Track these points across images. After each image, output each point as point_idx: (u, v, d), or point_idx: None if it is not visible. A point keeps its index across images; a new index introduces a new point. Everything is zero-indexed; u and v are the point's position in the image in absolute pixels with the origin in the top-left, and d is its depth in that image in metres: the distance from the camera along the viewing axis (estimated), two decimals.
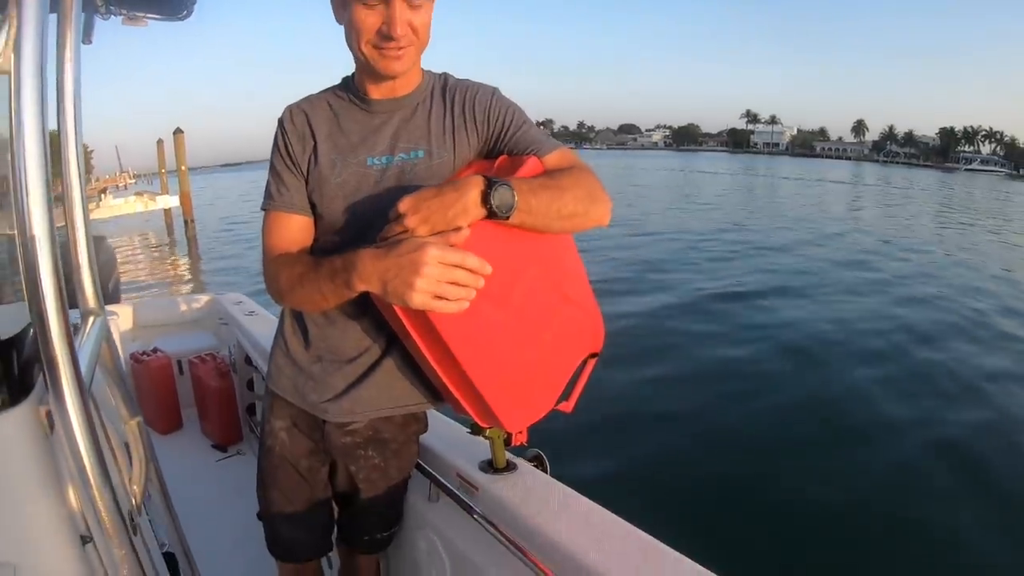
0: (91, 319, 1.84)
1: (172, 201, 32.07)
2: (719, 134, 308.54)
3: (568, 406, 1.91)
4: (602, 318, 1.99)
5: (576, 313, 1.89)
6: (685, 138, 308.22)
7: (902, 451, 6.83)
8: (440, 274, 1.41)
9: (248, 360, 4.27)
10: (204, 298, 5.49)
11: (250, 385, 4.35)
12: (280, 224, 1.80)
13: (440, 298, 1.43)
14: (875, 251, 20.13)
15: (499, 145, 1.84)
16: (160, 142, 37.03)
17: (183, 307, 5.46)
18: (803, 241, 21.28)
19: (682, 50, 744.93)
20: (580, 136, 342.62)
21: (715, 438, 6.99)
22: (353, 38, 1.67)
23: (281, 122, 1.82)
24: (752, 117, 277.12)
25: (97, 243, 3.14)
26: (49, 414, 1.37)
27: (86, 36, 3.00)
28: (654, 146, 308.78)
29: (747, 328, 11.11)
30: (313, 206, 1.80)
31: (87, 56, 2.04)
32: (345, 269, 1.54)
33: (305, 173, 1.79)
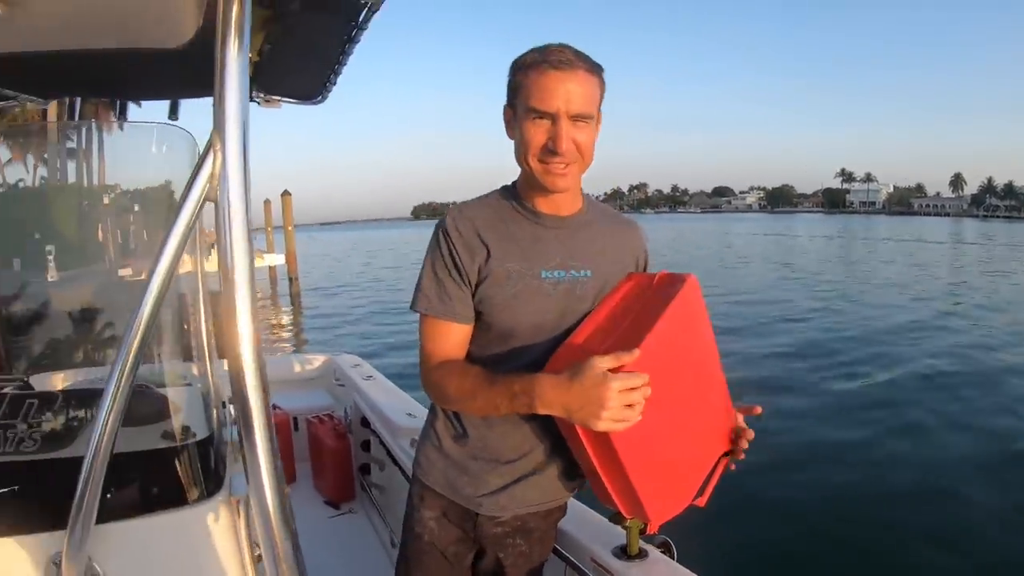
0: None
1: (278, 259, 32.70)
2: (814, 194, 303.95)
3: (702, 501, 1.98)
4: (735, 416, 2.08)
5: (717, 412, 2.00)
6: (780, 199, 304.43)
7: None
8: (622, 401, 1.52)
9: (364, 422, 4.39)
10: (320, 358, 5.66)
11: (365, 446, 4.45)
12: (443, 332, 1.87)
13: (619, 420, 1.54)
14: (997, 330, 17.73)
15: (637, 270, 2.03)
16: (267, 202, 38.18)
17: (298, 366, 5.64)
18: (917, 321, 19.15)
19: (775, 108, 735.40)
20: (674, 199, 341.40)
21: (830, 526, 6.77)
22: (521, 152, 1.80)
23: (445, 230, 1.87)
24: (847, 176, 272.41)
25: (215, 297, 3.32)
26: (238, 502, 1.50)
27: None
28: (748, 208, 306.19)
29: (857, 409, 10.49)
30: (480, 313, 1.87)
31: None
32: (526, 393, 1.65)
33: (473, 282, 1.85)
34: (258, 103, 3.06)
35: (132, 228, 2.75)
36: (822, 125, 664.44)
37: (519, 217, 1.91)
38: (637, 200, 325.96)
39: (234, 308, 1.27)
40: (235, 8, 1.35)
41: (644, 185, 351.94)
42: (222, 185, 1.28)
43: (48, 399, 1.67)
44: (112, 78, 2.81)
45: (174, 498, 1.49)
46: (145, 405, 1.51)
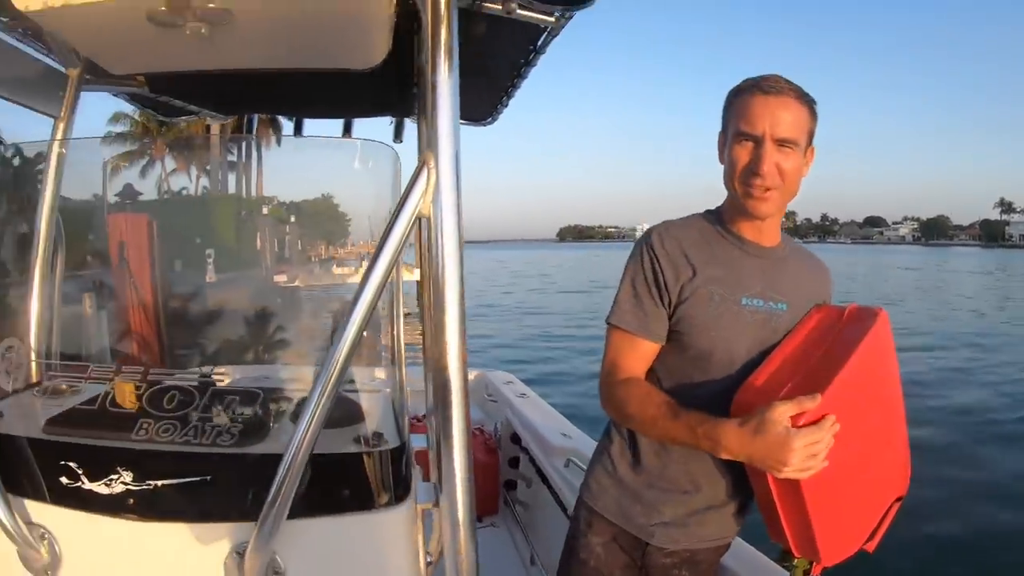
0: None
1: None
2: (970, 226, 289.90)
3: (872, 545, 1.95)
4: (909, 463, 2.05)
5: (897, 454, 1.98)
6: (934, 231, 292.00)
7: None
8: (804, 455, 1.54)
9: (514, 438, 4.45)
10: (472, 372, 5.67)
11: (512, 463, 4.49)
12: (631, 346, 1.89)
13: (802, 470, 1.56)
14: None
15: None
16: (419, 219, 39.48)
17: None
18: None
19: (930, 134, 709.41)
20: (823, 229, 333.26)
21: None
22: (728, 174, 1.84)
23: (651, 246, 1.89)
24: (1007, 206, 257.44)
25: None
26: (424, 511, 1.56)
27: (399, 136, 3.32)
28: (901, 240, 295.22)
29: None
30: (678, 334, 1.87)
31: None
32: (708, 438, 1.67)
33: (672, 300, 1.86)
34: None
35: (288, 237, 2.87)
36: (980, 151, 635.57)
37: (724, 241, 1.92)
38: (785, 229, 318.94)
39: (444, 323, 1.32)
40: (443, 31, 1.42)
41: (793, 214, 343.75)
42: (435, 202, 1.33)
43: (248, 396, 1.76)
44: (294, 98, 2.96)
45: (364, 502, 1.55)
46: (340, 408, 1.57)
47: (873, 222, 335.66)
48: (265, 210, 2.90)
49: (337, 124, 3.33)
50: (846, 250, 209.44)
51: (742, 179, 1.80)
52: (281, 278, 2.72)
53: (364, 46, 1.93)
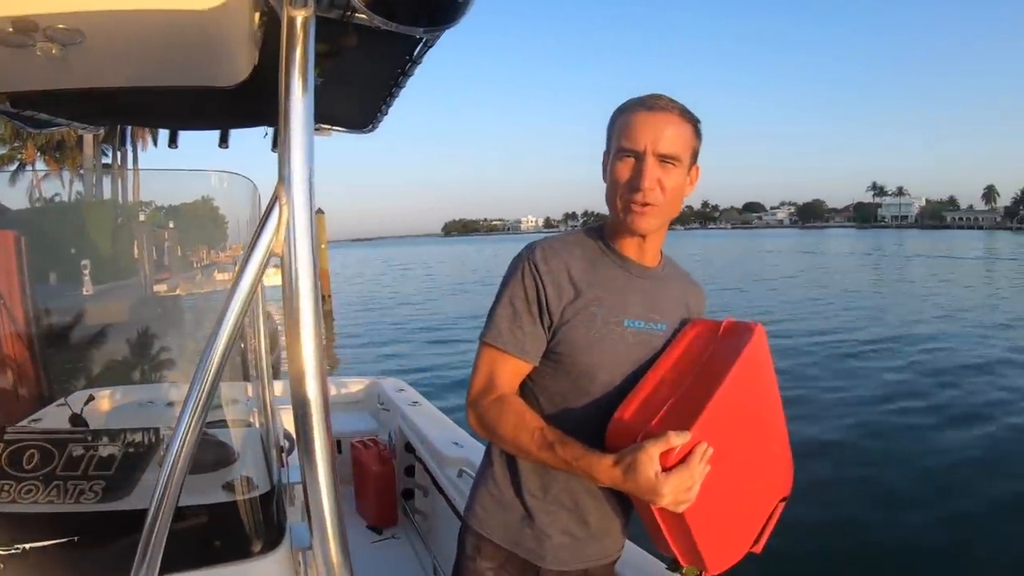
0: None
1: None
2: (845, 209, 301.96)
3: (759, 547, 1.96)
4: (792, 464, 2.07)
5: (776, 462, 2.00)
6: (811, 215, 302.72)
7: None
8: (676, 492, 1.52)
9: (408, 447, 4.41)
10: (364, 381, 5.68)
11: (408, 471, 4.46)
12: (504, 365, 1.81)
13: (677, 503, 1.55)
14: None
15: None
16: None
17: (341, 388, 5.64)
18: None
19: (806, 121, 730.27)
20: (704, 216, 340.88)
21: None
22: (610, 190, 1.82)
23: (534, 264, 1.82)
24: (879, 190, 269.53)
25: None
26: (300, 552, 1.49)
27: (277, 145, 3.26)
28: (779, 224, 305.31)
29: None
30: (559, 354, 1.81)
31: None
32: (585, 472, 1.64)
33: (554, 322, 1.80)
34: None
35: (167, 244, 2.76)
36: (853, 138, 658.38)
37: (608, 261, 1.89)
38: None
39: (302, 368, 1.25)
40: (298, 53, 1.33)
41: None
42: (288, 240, 1.26)
43: (111, 444, 1.67)
44: (164, 110, 2.85)
45: (236, 551, 1.48)
46: (207, 451, 1.50)
47: (752, 207, 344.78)
48: (142, 216, 2.80)
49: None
50: (726, 235, 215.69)
51: (623, 194, 1.77)
52: (161, 287, 2.63)
53: (227, 63, 1.84)
